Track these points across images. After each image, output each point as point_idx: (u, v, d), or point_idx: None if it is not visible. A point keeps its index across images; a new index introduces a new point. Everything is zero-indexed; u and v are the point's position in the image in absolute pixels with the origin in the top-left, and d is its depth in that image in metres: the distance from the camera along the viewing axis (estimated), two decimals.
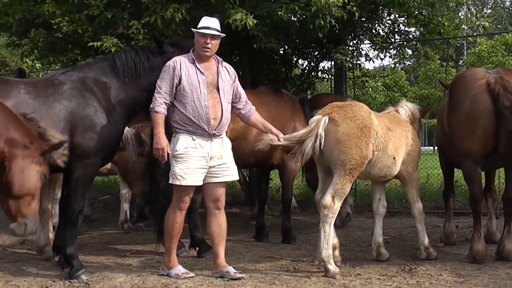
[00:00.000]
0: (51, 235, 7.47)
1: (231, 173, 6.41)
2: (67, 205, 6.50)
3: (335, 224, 9.76)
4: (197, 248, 7.57)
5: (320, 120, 6.41)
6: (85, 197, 6.55)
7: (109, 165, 9.31)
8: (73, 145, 6.28)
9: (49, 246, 7.28)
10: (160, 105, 6.15)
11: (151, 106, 6.20)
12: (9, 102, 6.05)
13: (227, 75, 6.41)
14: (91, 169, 6.46)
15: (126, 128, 7.79)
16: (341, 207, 9.86)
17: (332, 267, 6.36)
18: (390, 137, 6.77)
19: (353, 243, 8.45)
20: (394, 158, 6.82)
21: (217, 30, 6.24)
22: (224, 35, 6.38)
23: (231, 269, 6.30)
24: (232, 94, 6.42)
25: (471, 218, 7.75)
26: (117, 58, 6.78)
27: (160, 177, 7.18)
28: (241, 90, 6.53)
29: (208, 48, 6.21)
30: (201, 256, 7.46)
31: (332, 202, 6.34)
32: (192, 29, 6.32)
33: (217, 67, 6.36)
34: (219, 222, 6.35)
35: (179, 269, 6.33)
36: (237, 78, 6.54)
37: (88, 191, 6.76)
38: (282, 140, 6.46)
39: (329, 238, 6.37)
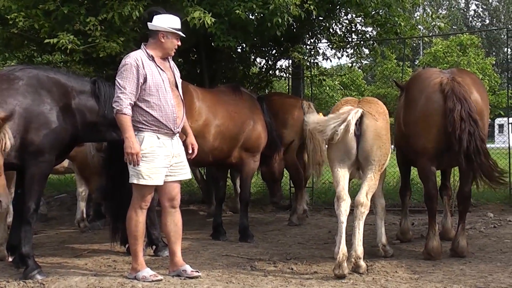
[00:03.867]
0: (6, 234, 7.34)
1: (186, 172, 6.36)
2: (21, 204, 6.40)
3: (292, 222, 9.94)
4: (154, 247, 7.52)
5: (353, 111, 6.18)
6: (40, 195, 6.44)
7: (66, 163, 9.24)
8: (27, 142, 6.18)
9: (3, 246, 7.15)
10: (127, 106, 5.90)
11: (116, 107, 5.91)
12: None
13: (177, 71, 6.40)
14: (45, 167, 6.37)
15: None
16: (298, 205, 10.05)
17: (364, 264, 6.38)
18: None
19: (310, 241, 8.48)
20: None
21: None
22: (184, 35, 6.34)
23: (188, 268, 6.27)
24: None
25: (426, 216, 7.85)
26: (101, 85, 6.74)
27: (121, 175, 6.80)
28: None
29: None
30: (158, 254, 7.42)
31: (367, 200, 6.29)
32: (168, 27, 6.09)
33: (170, 64, 6.33)
34: (175, 221, 6.30)
35: (147, 272, 6.13)
36: None
37: (43, 189, 6.64)
38: (194, 152, 6.47)
39: (361, 235, 6.30)
